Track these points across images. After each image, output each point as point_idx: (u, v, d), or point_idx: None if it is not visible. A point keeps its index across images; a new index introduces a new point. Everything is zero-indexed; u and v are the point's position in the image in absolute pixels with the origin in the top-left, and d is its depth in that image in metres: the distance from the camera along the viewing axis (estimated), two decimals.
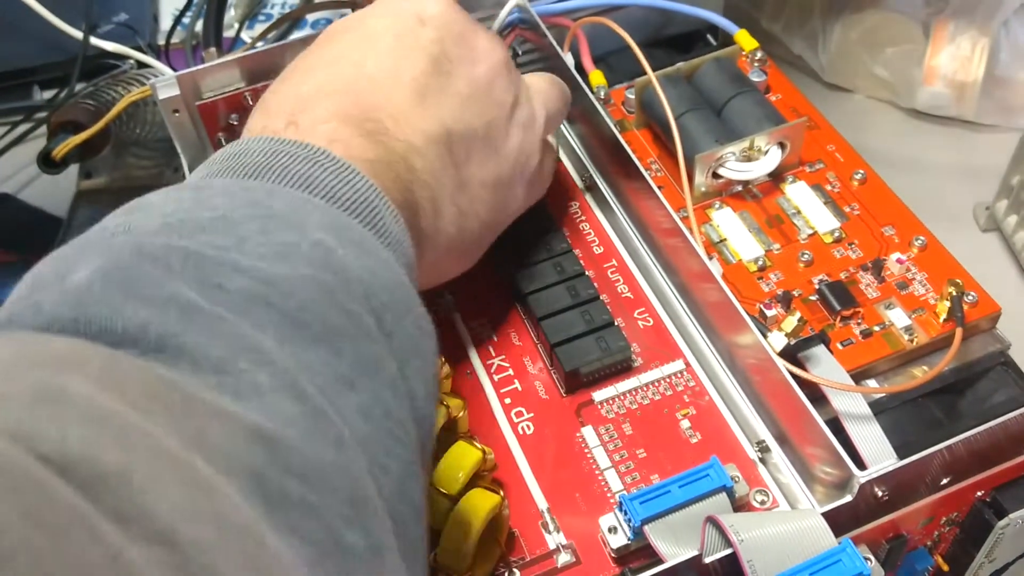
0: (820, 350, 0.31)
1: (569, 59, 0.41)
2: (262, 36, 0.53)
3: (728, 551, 0.25)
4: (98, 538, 0.13)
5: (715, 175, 0.38)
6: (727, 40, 0.43)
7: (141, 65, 0.52)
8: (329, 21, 0.60)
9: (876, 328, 0.34)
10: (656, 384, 0.33)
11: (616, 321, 0.34)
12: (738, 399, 0.32)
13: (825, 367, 0.31)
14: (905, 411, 0.32)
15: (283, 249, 0.21)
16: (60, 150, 0.45)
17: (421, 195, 0.27)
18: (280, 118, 0.26)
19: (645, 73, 0.39)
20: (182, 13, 0.59)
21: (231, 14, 0.62)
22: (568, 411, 0.32)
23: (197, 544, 0.15)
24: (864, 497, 0.27)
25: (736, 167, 0.38)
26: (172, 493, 0.15)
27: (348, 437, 0.19)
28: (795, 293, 0.35)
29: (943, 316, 0.33)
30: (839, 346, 0.33)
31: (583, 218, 0.38)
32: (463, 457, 0.28)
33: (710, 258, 0.35)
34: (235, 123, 0.40)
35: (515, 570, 0.29)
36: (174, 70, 0.41)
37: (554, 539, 0.29)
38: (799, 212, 0.38)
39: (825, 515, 0.26)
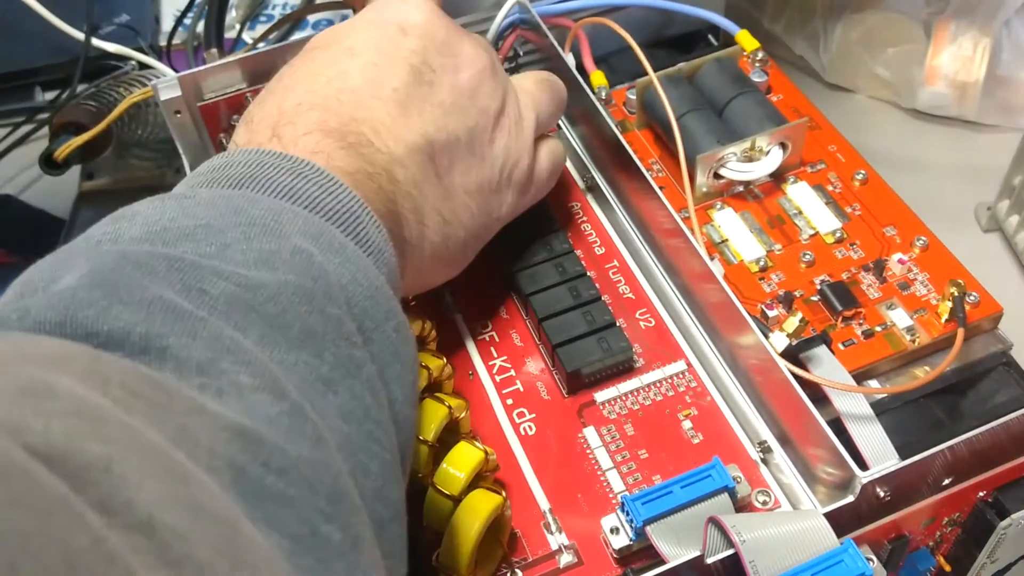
0: (822, 350, 0.31)
1: (570, 59, 0.41)
2: (263, 37, 0.53)
3: (730, 551, 0.25)
4: (82, 524, 0.14)
5: (716, 175, 0.38)
6: (728, 40, 0.43)
7: (143, 66, 0.52)
8: (330, 22, 0.60)
9: (878, 328, 0.34)
10: (658, 385, 0.33)
11: (618, 322, 0.34)
12: (740, 400, 0.32)
13: (827, 367, 0.31)
14: (907, 411, 0.32)
15: (265, 256, 0.22)
16: (62, 151, 0.45)
17: (404, 205, 0.28)
18: (264, 131, 0.27)
19: (646, 73, 0.39)
20: (183, 14, 0.59)
21: (232, 15, 0.62)
22: (570, 412, 0.32)
23: (176, 533, 0.15)
24: (866, 497, 0.27)
25: (737, 167, 0.38)
26: (152, 484, 0.15)
27: (327, 436, 0.20)
28: (797, 293, 0.35)
29: (945, 316, 0.33)
30: (841, 346, 0.33)
31: (584, 219, 0.38)
32: (465, 458, 0.28)
33: (711, 258, 0.35)
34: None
35: (517, 571, 0.29)
36: (176, 71, 0.41)
37: (556, 540, 0.29)
38: (800, 212, 0.38)
39: (827, 515, 0.26)
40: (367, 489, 0.21)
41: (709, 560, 0.26)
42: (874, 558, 0.27)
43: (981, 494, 0.29)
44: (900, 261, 0.35)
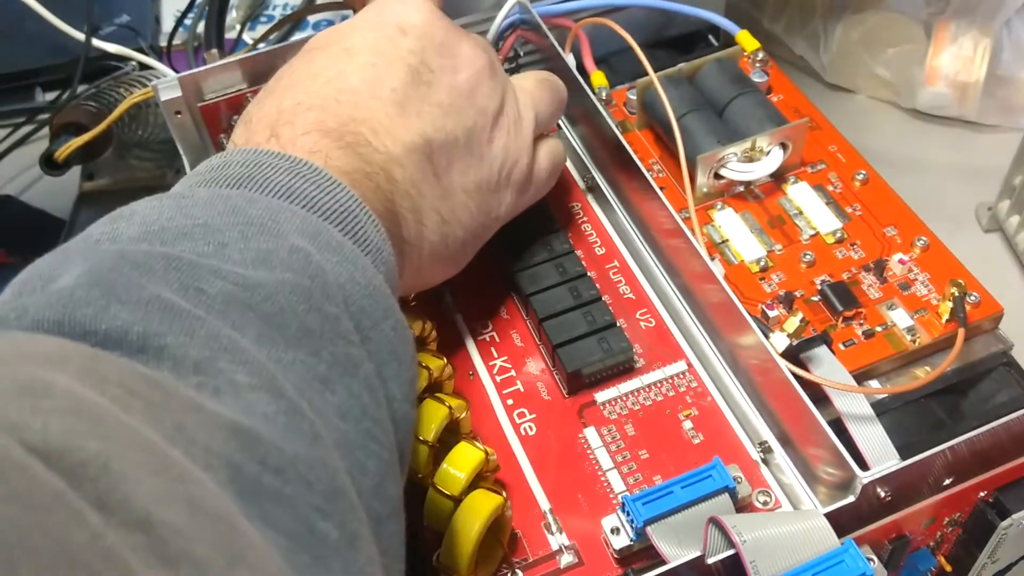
0: (822, 351, 0.31)
1: (571, 60, 0.41)
2: (264, 37, 0.53)
3: (731, 552, 0.25)
4: (80, 521, 0.14)
5: (717, 176, 0.38)
6: (729, 41, 0.43)
7: (143, 67, 0.52)
8: (330, 22, 0.60)
9: (878, 329, 0.34)
10: (658, 385, 0.33)
11: (618, 322, 0.34)
12: (740, 400, 0.32)
13: (827, 368, 0.31)
14: (907, 412, 0.32)
15: (262, 255, 0.22)
16: (62, 152, 0.45)
17: (402, 205, 0.28)
18: (262, 131, 0.27)
19: (647, 74, 0.39)
20: (184, 15, 0.59)
21: (232, 15, 0.62)
22: (570, 412, 0.32)
23: (173, 529, 0.15)
24: (867, 498, 0.27)
25: (738, 168, 0.38)
26: (149, 482, 0.15)
27: (325, 434, 0.20)
28: (797, 294, 0.35)
29: (945, 317, 0.33)
30: (841, 347, 0.33)
31: (585, 219, 0.38)
32: (465, 458, 0.28)
33: (712, 259, 0.35)
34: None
35: (518, 571, 0.29)
36: (176, 72, 0.41)
37: (557, 540, 0.29)
38: (801, 213, 0.38)
39: (828, 516, 0.26)
40: (364, 487, 0.21)
41: (710, 560, 0.26)
42: (875, 558, 0.27)
43: (982, 494, 0.29)
44: (901, 261, 0.35)
